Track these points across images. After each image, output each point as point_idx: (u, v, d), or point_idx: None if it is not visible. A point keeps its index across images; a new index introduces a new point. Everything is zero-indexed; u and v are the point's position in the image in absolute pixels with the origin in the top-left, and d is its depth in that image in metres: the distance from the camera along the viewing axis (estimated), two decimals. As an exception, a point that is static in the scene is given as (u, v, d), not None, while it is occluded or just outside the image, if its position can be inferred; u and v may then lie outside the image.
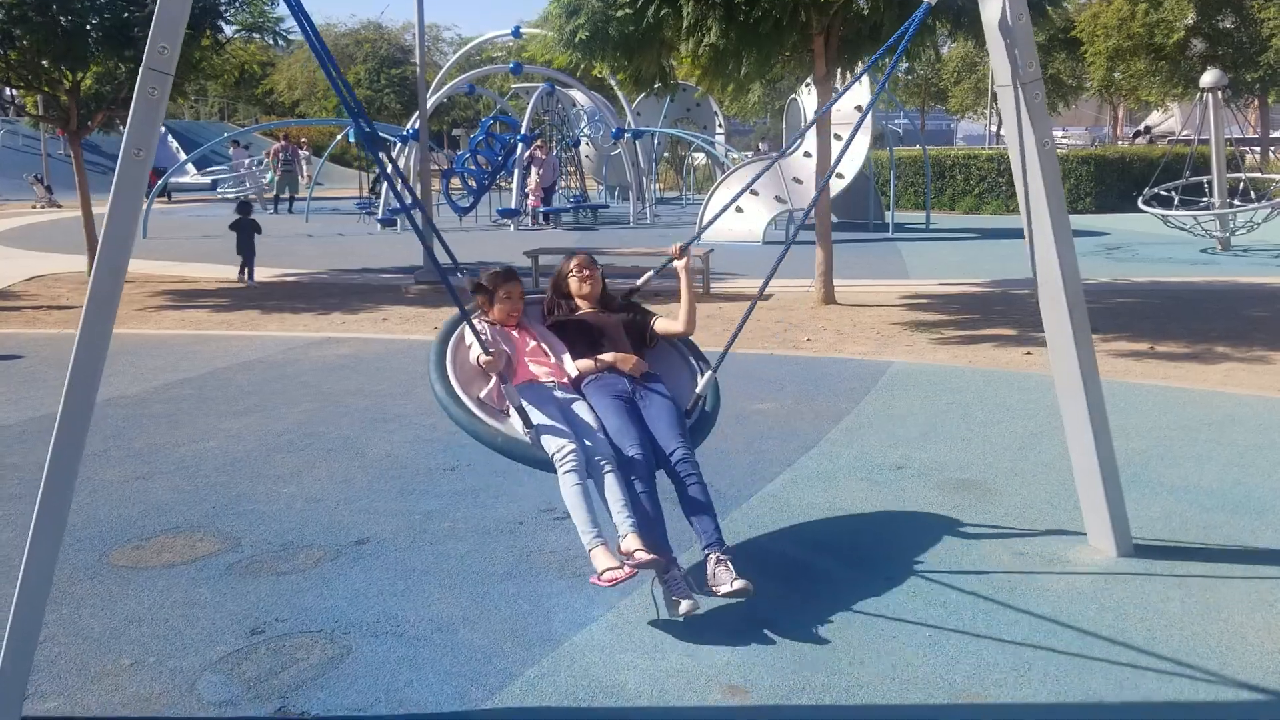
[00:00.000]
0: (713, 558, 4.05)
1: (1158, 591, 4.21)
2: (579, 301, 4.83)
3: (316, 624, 4.02)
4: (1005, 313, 11.18)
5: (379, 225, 22.41)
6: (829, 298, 11.98)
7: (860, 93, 19.19)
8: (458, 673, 3.64)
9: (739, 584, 3.93)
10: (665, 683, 3.56)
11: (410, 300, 12.70)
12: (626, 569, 3.84)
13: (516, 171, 23.21)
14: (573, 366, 4.54)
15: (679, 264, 4.78)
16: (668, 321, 4.82)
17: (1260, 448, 6.13)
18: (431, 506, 5.31)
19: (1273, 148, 34.66)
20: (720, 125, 32.81)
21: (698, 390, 4.56)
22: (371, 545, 4.81)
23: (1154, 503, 5.23)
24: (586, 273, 4.83)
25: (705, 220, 17.36)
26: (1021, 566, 4.48)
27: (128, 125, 3.23)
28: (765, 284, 4.76)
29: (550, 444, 4.09)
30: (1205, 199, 17.23)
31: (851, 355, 9.09)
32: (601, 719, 3.36)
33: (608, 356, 4.56)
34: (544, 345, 4.60)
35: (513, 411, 4.19)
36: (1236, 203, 16.96)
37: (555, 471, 4.08)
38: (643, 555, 3.87)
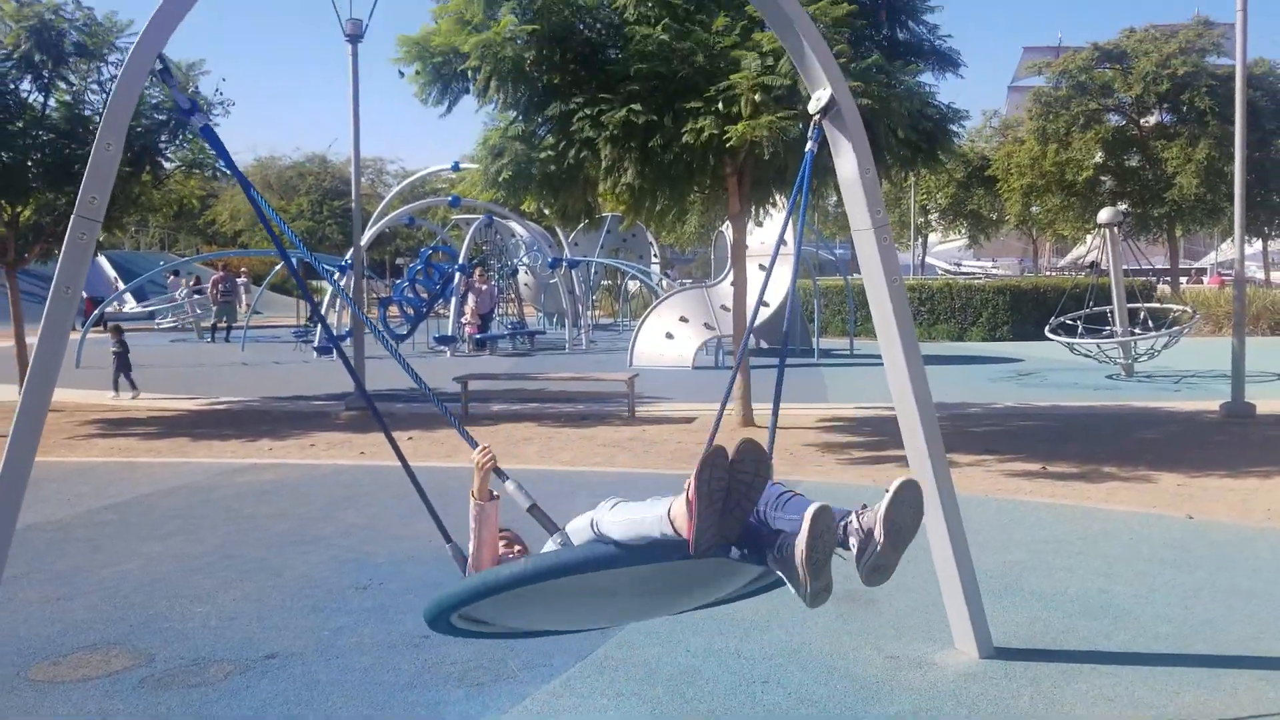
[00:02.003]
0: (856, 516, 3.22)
1: (1011, 690, 4.57)
2: None
3: (222, 734, 4.23)
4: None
5: (315, 353, 22.68)
6: (748, 420, 12.44)
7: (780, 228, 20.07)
8: (352, 774, 3.87)
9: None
10: (546, 779, 3.82)
11: (339, 426, 12.95)
12: (692, 482, 3.02)
13: (454, 299, 23.75)
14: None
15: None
16: None
17: (1127, 559, 6.58)
18: (341, 623, 5.54)
19: (1182, 277, 36.40)
20: (655, 255, 33.83)
21: None
22: (280, 659, 5.02)
23: (1022, 610, 5.62)
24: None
25: (634, 362, 17.87)
26: (891, 668, 4.82)
27: (58, 265, 3.59)
28: (722, 408, 4.98)
29: (582, 519, 3.39)
30: (1108, 328, 18.15)
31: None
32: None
33: None
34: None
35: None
36: (1137, 331, 17.88)
37: (602, 565, 3.22)
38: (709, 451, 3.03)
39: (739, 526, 3.09)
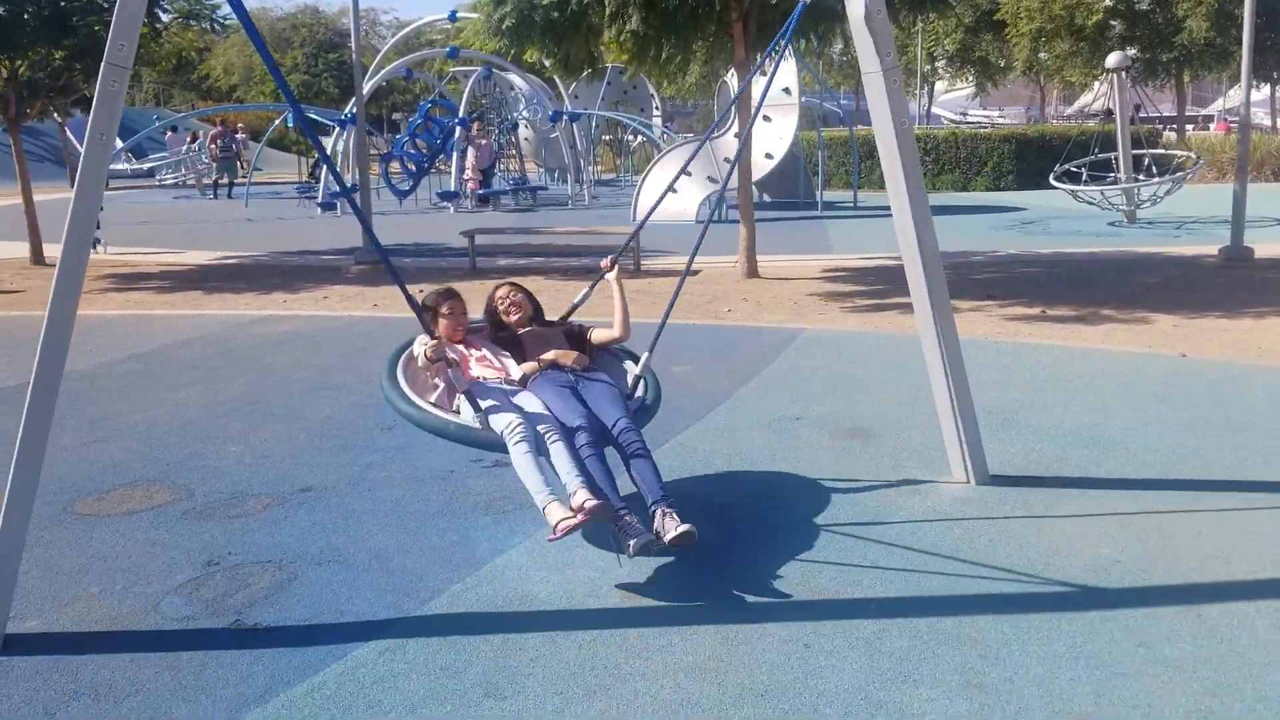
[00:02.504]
0: (659, 511, 4.24)
1: (1003, 512, 4.86)
2: (515, 327, 5.20)
3: (266, 556, 4.54)
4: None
5: (319, 209, 22.68)
6: (752, 272, 12.60)
7: (786, 75, 19.81)
8: (392, 589, 4.18)
9: (683, 528, 4.10)
10: (572, 592, 4.13)
11: (350, 280, 13.12)
12: (579, 515, 4.04)
13: (455, 155, 23.59)
14: (517, 369, 4.88)
15: (611, 276, 5.27)
16: (604, 330, 5.27)
17: (1122, 396, 6.83)
18: (370, 460, 5.82)
19: (1189, 125, 35.92)
20: (657, 107, 33.34)
21: (636, 370, 5.06)
22: (315, 493, 5.32)
23: (1017, 442, 5.89)
24: (511, 304, 5.23)
25: (639, 217, 17.89)
26: (889, 495, 5.11)
27: (91, 114, 3.70)
28: (691, 260, 5.37)
29: (499, 421, 4.33)
30: (1112, 175, 18.10)
31: (767, 324, 9.71)
32: (514, 621, 3.92)
33: (549, 355, 4.92)
34: (489, 353, 4.98)
35: (462, 403, 4.49)
36: (1140, 177, 17.85)
37: (506, 450, 4.30)
38: (592, 503, 4.07)
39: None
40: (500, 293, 5.33)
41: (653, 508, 4.29)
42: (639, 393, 5.00)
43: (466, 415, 4.52)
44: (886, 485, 5.25)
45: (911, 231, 4.92)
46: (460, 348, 4.92)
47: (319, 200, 23.05)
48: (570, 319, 5.50)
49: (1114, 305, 10.13)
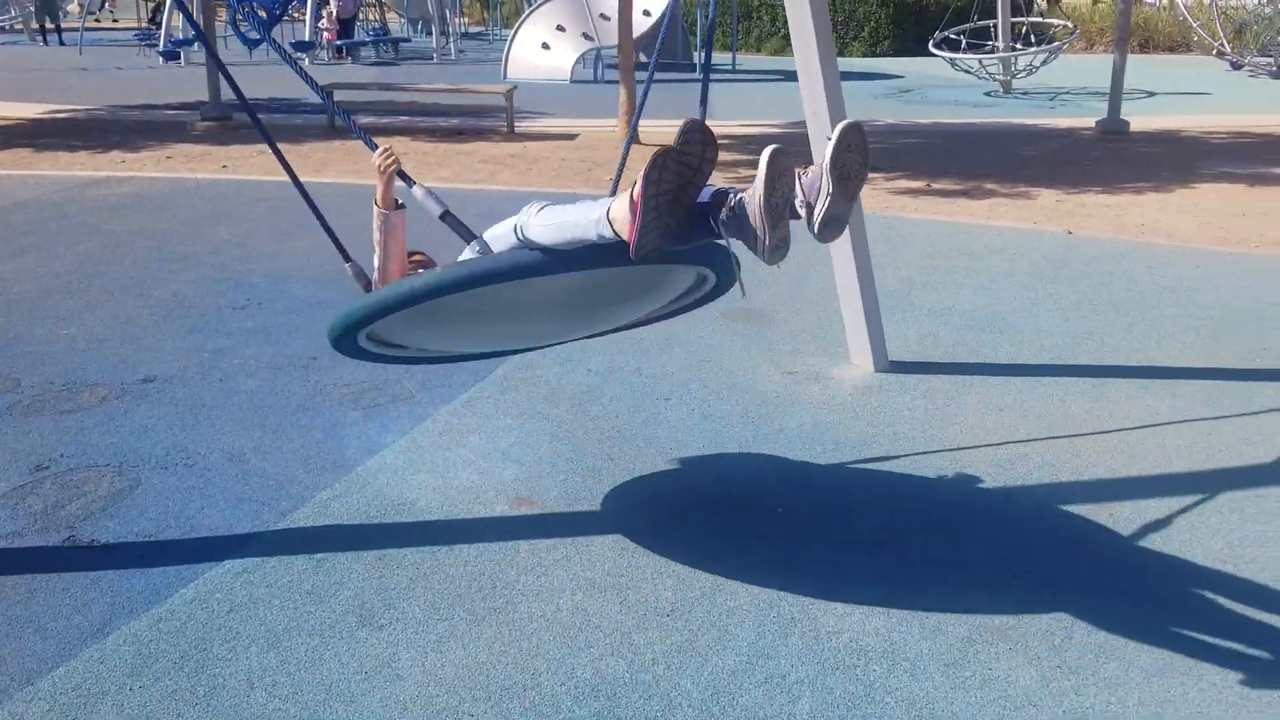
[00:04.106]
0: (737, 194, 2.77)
1: (905, 401, 4.66)
2: None
3: (103, 459, 4.03)
4: (800, 153, 11.49)
5: (160, 58, 20.96)
6: (633, 138, 12.05)
7: (666, -73, 18.89)
8: (249, 498, 3.74)
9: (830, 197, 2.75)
10: (454, 499, 3.77)
11: (196, 137, 12.09)
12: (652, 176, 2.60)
13: (310, 2, 21.99)
14: None
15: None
16: None
17: (1010, 274, 6.71)
18: (221, 344, 5.28)
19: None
20: (527, -43, 31.74)
21: None
22: (159, 383, 4.77)
23: (912, 325, 5.70)
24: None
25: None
26: (790, 382, 4.86)
27: None
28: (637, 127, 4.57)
29: (505, 223, 2.97)
30: (991, 43, 17.97)
31: (650, 193, 9.27)
32: (390, 534, 3.55)
33: None
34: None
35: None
36: (1018, 47, 17.77)
37: (543, 270, 2.86)
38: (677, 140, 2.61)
39: (683, 219, 2.77)
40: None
41: (730, 195, 2.78)
42: None
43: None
44: (785, 373, 4.99)
45: (821, 101, 4.54)
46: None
47: (160, 48, 21.28)
48: None
49: (997, 179, 10.03)
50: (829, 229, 2.80)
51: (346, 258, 3.56)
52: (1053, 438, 4.30)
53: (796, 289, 6.34)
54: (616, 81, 12.76)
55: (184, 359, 5.07)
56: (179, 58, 20.57)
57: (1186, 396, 4.75)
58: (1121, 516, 3.67)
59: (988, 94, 17.47)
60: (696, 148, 2.68)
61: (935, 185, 9.66)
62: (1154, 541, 3.51)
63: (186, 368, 4.96)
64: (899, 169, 10.43)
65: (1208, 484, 3.91)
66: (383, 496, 3.77)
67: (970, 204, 8.92)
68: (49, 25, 26.44)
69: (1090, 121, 13.52)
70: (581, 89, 17.93)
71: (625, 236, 2.69)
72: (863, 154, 2.79)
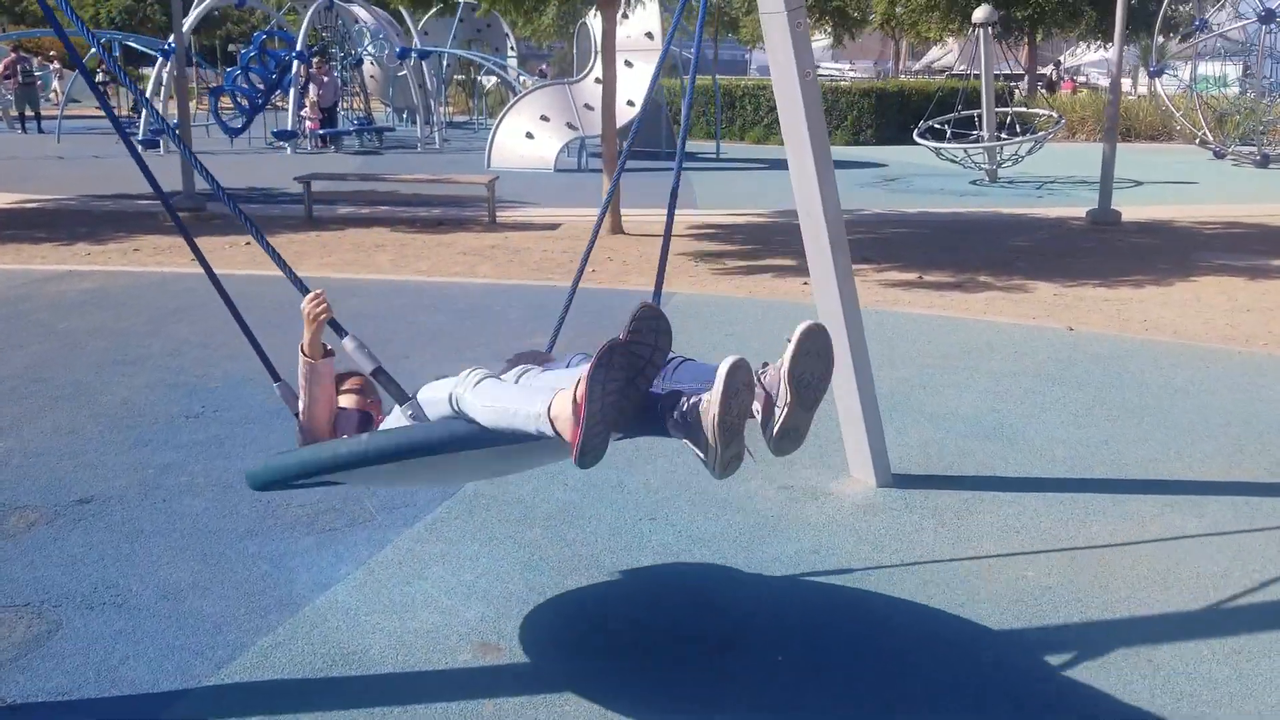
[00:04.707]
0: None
1: (913, 523, 4.27)
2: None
3: (23, 597, 3.59)
4: (786, 243, 11.31)
5: (141, 146, 20.79)
6: (617, 227, 11.83)
7: (649, 19, 18.99)
8: (182, 646, 3.31)
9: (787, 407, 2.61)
10: (412, 645, 3.34)
11: (167, 229, 11.76)
12: (582, 387, 2.45)
13: (292, 91, 21.95)
14: None
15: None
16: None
17: (1014, 374, 6.37)
18: (169, 459, 4.87)
19: (1038, 83, 36.63)
20: (512, 47, 32.01)
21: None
22: (96, 505, 4.35)
23: (913, 431, 5.34)
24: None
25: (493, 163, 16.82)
26: (785, 500, 4.47)
27: None
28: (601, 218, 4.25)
29: (441, 388, 2.78)
30: (975, 132, 17.96)
31: (635, 287, 8.97)
32: (338, 690, 3.11)
33: None
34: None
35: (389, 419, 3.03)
36: (1003, 136, 17.76)
37: (467, 445, 2.72)
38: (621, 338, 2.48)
39: (631, 414, 2.57)
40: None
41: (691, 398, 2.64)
42: None
43: (390, 421, 3.03)
44: (780, 489, 4.60)
45: (816, 199, 4.24)
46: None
47: (139, 137, 21.13)
48: None
49: (990, 271, 9.77)
50: (785, 441, 2.58)
51: (276, 377, 3.22)
52: (1076, 565, 3.91)
53: (789, 392, 5.97)
54: (600, 170, 12.55)
55: (126, 476, 4.65)
56: (158, 146, 20.40)
57: (1215, 515, 4.37)
58: (1163, 663, 3.26)
59: (973, 182, 17.39)
60: (648, 336, 2.48)
61: (927, 277, 9.38)
62: (1203, 695, 3.10)
63: (128, 487, 4.53)
64: (889, 260, 10.17)
65: (1251, 619, 3.52)
66: (331, 643, 3.34)
67: (965, 298, 8.63)
68: (28, 113, 26.36)
69: (1080, 211, 13.36)
70: (565, 178, 17.79)
71: (567, 438, 2.47)
72: (826, 360, 2.57)
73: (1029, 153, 17.19)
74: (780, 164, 20.15)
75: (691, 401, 2.54)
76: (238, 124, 22.32)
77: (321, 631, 3.40)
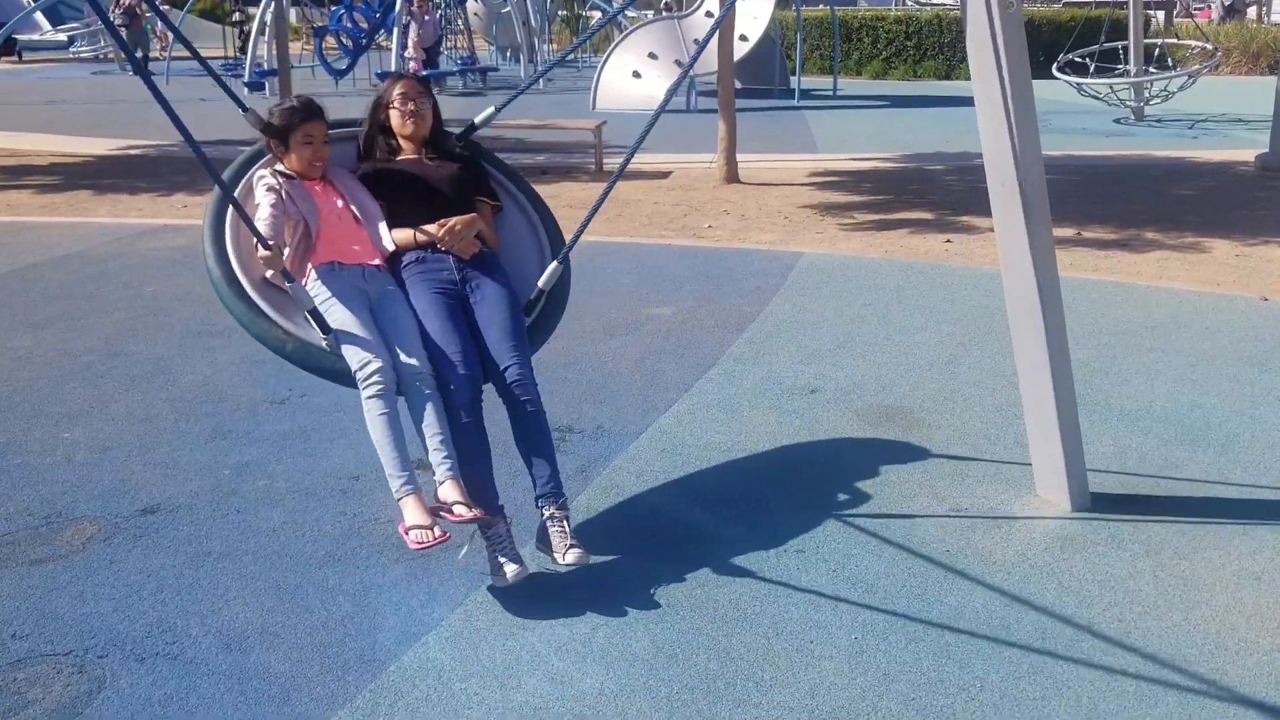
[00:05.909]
0: (549, 511, 3.32)
1: (1124, 564, 3.48)
2: (402, 142, 3.73)
3: (65, 643, 3.06)
4: (921, 193, 10.37)
5: (246, 89, 20.52)
6: (732, 176, 11.01)
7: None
8: (241, 719, 2.73)
9: (572, 555, 3.23)
10: (516, 725, 2.71)
11: (267, 178, 11.35)
12: (438, 531, 3.12)
13: (395, 30, 21.39)
14: (389, 238, 3.54)
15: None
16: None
17: (1209, 357, 5.46)
18: (247, 456, 4.32)
19: (1176, 11, 34.20)
20: (618, -19, 30.95)
21: (540, 284, 3.57)
22: (161, 515, 3.82)
23: (1104, 433, 4.50)
24: (412, 107, 3.67)
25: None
26: (959, 531, 3.71)
27: None
28: (625, 163, 3.49)
29: (353, 357, 3.29)
30: (1121, 66, 16.51)
31: (757, 245, 8.20)
32: (427, 793, 2.50)
33: (432, 228, 3.52)
34: (353, 208, 3.58)
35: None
36: (1151, 70, 16.28)
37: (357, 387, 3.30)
38: (462, 511, 3.15)
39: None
40: (400, 90, 3.71)
41: (539, 503, 3.36)
42: (532, 315, 3.61)
43: (316, 334, 3.35)
44: (951, 510, 3.84)
45: (1009, 162, 3.41)
46: (317, 189, 3.60)
47: (246, 79, 20.87)
48: (472, 138, 3.90)
49: (1155, 225, 8.72)
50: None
51: (243, 108, 3.79)
52: (1348, 632, 3.09)
53: (947, 374, 5.18)
54: (712, 111, 11.71)
55: (199, 478, 4.12)
56: (264, 88, 20.11)
57: None
58: None
59: (1118, 121, 16.02)
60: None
61: (1086, 234, 8.39)
62: None
63: (199, 493, 4.00)
64: (1038, 213, 9.17)
65: None
66: (419, 717, 2.73)
67: (1133, 258, 7.64)
68: (139, 55, 26.46)
69: (1245, 154, 12.05)
70: (675, 120, 16.91)
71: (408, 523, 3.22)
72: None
73: (1180, 89, 15.71)
74: (902, 101, 19.05)
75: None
76: (342, 65, 21.91)
77: (408, 703, 2.79)
